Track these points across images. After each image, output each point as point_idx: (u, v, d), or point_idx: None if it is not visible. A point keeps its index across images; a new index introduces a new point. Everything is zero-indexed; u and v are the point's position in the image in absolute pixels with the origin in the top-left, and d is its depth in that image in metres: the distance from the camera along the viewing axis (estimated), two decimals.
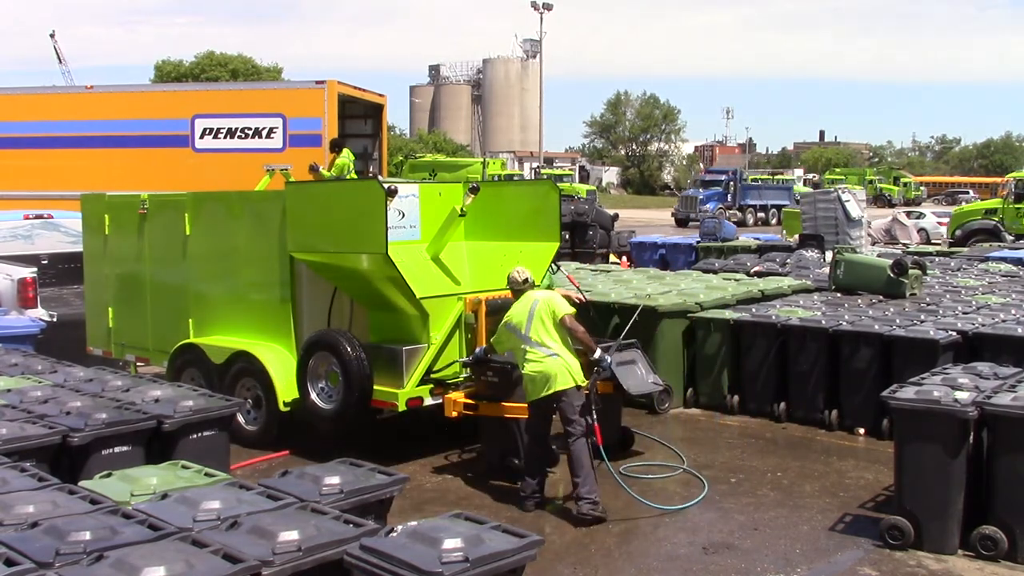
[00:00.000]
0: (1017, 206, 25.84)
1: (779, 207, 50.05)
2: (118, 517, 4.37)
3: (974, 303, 10.99)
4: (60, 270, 12.65)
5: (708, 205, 46.97)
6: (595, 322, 9.77)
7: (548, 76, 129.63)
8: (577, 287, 9.81)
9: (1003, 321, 9.64)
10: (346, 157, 14.69)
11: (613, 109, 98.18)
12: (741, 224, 45.28)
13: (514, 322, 7.24)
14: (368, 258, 8.02)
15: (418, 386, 8.12)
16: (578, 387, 7.07)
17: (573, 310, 7.23)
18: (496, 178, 42.03)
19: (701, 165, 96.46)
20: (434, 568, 3.90)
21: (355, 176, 15.19)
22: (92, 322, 11.03)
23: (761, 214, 50.99)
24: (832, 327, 9.45)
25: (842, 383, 9.41)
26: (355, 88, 18.31)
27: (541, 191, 9.41)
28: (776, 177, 63.78)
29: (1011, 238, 23.63)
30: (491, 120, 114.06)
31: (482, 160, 52.33)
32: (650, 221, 45.23)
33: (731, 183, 50.54)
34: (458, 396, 8.02)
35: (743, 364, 10.05)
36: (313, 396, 8.33)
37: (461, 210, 8.87)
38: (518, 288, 7.41)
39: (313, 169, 13.62)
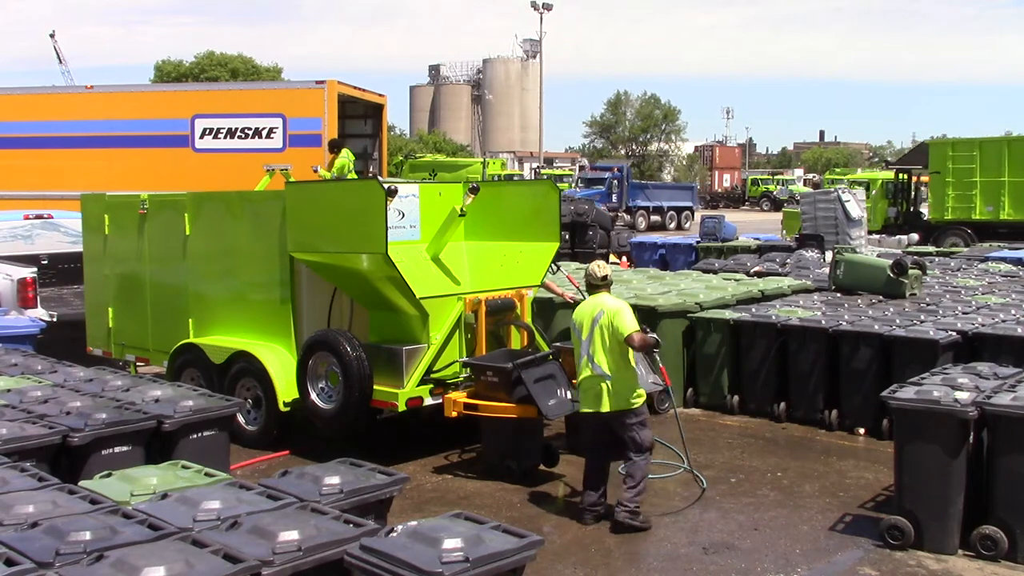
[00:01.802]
0: None
1: (679, 209, 46.29)
2: (118, 517, 4.36)
3: (974, 303, 10.99)
4: (60, 270, 12.66)
5: None
6: None
7: (548, 76, 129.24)
8: (577, 287, 9.81)
9: (1003, 321, 9.64)
10: (345, 157, 14.68)
11: (613, 109, 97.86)
12: (632, 228, 42.49)
13: (577, 322, 7.06)
14: (368, 258, 8.02)
15: (418, 386, 8.12)
16: (629, 410, 6.86)
17: (637, 327, 6.84)
18: (496, 178, 42.09)
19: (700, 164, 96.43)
20: (434, 568, 3.90)
21: (355, 176, 15.19)
22: (92, 322, 11.03)
23: (656, 217, 45.25)
24: (832, 327, 9.46)
25: (842, 383, 9.42)
26: (355, 88, 18.30)
27: (541, 191, 9.41)
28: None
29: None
30: (491, 120, 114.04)
31: (482, 160, 52.29)
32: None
33: (615, 182, 44.59)
34: (458, 396, 8.03)
35: (743, 364, 10.06)
36: (313, 396, 8.34)
37: (461, 210, 8.86)
38: (595, 283, 7.15)
39: (313, 171, 13.64)
